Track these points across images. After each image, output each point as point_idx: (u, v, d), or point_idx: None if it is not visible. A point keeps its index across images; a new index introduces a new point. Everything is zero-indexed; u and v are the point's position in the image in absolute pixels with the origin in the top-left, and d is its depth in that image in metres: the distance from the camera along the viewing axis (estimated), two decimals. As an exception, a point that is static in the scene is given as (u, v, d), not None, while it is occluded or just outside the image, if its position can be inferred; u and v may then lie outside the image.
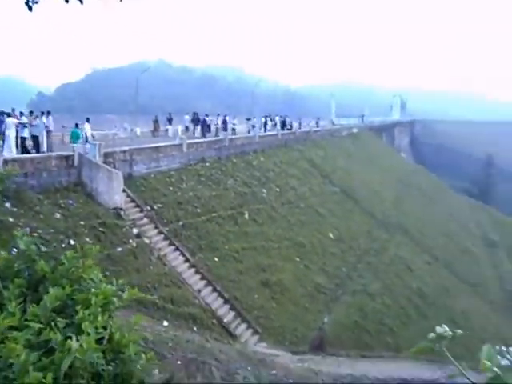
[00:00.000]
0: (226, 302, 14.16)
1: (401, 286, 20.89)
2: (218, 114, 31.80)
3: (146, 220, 15.97)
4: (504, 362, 1.02)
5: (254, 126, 31.28)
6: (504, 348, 1.06)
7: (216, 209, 19.33)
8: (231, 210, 20.03)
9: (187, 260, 15.27)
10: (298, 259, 19.18)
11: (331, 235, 23.14)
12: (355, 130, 50.84)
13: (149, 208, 16.65)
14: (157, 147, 19.86)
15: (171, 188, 18.78)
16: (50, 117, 18.94)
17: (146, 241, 14.68)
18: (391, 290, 19.99)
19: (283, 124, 36.32)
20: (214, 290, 14.43)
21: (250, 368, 9.20)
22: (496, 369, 1.00)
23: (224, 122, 29.35)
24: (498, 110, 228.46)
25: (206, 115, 30.35)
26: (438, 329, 1.13)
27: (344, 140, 43.73)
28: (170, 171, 19.86)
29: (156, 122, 30.51)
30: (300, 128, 38.13)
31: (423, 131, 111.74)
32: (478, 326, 21.85)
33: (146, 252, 14.08)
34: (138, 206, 16.41)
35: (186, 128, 30.68)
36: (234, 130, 29.62)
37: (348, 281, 19.61)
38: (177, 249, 15.51)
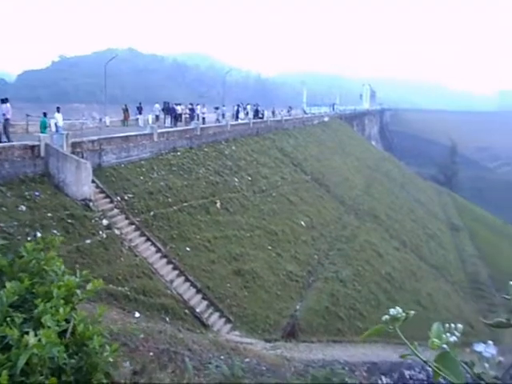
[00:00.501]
0: (199, 291, 14.14)
1: (371, 272, 21.40)
2: (191, 104, 31.38)
3: (116, 211, 15.67)
4: (452, 339, 1.04)
5: (223, 115, 31.05)
6: (452, 325, 1.09)
7: (187, 198, 19.19)
8: (203, 200, 19.93)
9: (159, 250, 15.13)
10: (270, 247, 19.32)
11: (303, 223, 23.40)
12: (326, 119, 51.29)
13: (119, 199, 16.34)
14: (127, 137, 19.44)
15: (142, 178, 18.49)
16: (8, 104, 18.08)
17: (117, 232, 14.43)
18: (362, 276, 20.45)
19: (256, 112, 36.34)
20: (186, 279, 14.38)
21: (222, 357, 9.26)
22: (445, 345, 1.03)
23: (192, 111, 28.93)
24: (460, 100, 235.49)
25: (177, 104, 29.88)
26: (391, 311, 1.13)
27: (315, 128, 44.05)
28: (140, 161, 19.52)
29: (126, 111, 29.79)
30: (273, 117, 38.18)
31: (392, 120, 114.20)
32: (442, 307, 22.76)
33: (117, 243, 13.85)
34: (107, 196, 16.07)
35: (157, 117, 30.16)
36: (203, 119, 29.24)
37: (320, 268, 19.93)
38: (148, 239, 15.33)
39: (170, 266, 14.64)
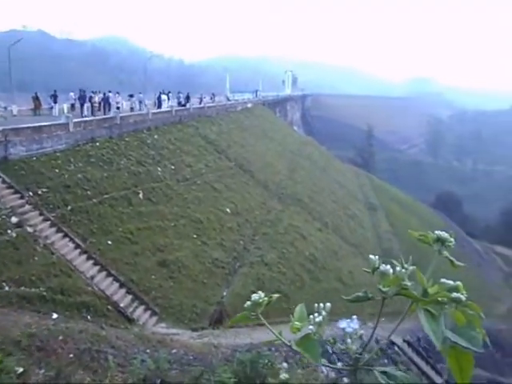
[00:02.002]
0: (122, 285, 13.82)
1: (295, 254, 22.27)
2: (109, 91, 29.78)
3: (28, 207, 14.68)
4: (318, 319, 1.06)
5: (140, 102, 29.96)
6: (321, 305, 1.10)
7: (108, 190, 18.51)
8: (125, 191, 19.35)
9: (78, 246, 14.49)
10: (195, 236, 19.33)
11: (228, 210, 23.64)
12: (250, 105, 51.68)
13: (31, 194, 15.31)
14: (39, 127, 18.17)
15: (57, 171, 17.47)
16: None
17: (29, 230, 13.55)
18: (286, 259, 21.23)
19: (187, 99, 35.95)
20: (109, 274, 13.97)
21: (148, 351, 9.20)
22: (311, 327, 1.05)
23: (105, 100, 27.37)
24: (376, 85, 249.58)
25: (93, 92, 28.31)
26: (254, 296, 1.12)
27: (239, 115, 44.24)
28: (55, 153, 18.42)
29: (36, 99, 27.37)
30: (200, 103, 37.71)
31: (313, 105, 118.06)
32: (362, 283, 24.37)
33: (30, 242, 13.02)
34: (17, 192, 14.98)
35: (72, 106, 28.32)
36: (118, 108, 27.69)
37: (245, 253, 20.35)
38: (66, 235, 14.60)
39: (91, 262, 14.11)
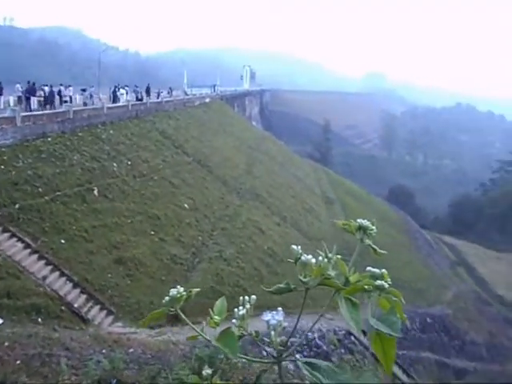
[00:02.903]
0: (76, 285, 13.40)
1: (254, 248, 22.44)
2: (61, 85, 28.51)
3: (-31, 206, 13.90)
4: (241, 313, 1.04)
5: (91, 96, 28.94)
6: (246, 297, 1.08)
7: (61, 187, 17.83)
8: (78, 187, 18.72)
9: (28, 246, 13.89)
10: (152, 233, 19.04)
11: (186, 205, 23.43)
12: (207, 100, 51.23)
13: (-29, 192, 14.50)
14: (-20, 121, 17.19)
15: (3, 167, 16.62)
16: None
17: (-29, 230, 12.84)
18: (245, 253, 21.34)
19: (148, 92, 35.39)
20: (62, 274, 13.49)
21: (104, 351, 9.01)
22: (235, 320, 1.04)
23: (52, 93, 25.99)
24: (333, 80, 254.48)
25: (44, 85, 27.01)
26: (172, 291, 1.07)
27: (197, 110, 43.77)
28: (0, 148, 17.48)
29: (-22, 90, 25.86)
30: (158, 98, 36.96)
31: (272, 100, 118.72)
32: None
33: (-29, 243, 12.35)
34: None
35: (19, 99, 26.86)
36: (65, 102, 26.38)
37: (204, 249, 20.28)
38: (13, 235, 13.94)
39: (43, 262, 13.57)
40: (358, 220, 1.19)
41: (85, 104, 27.90)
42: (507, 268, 49.73)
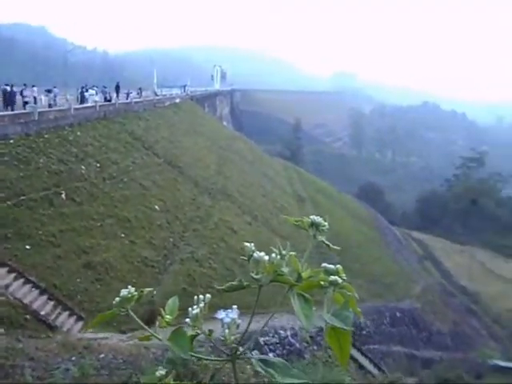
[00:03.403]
0: (43, 292, 13.07)
1: (226, 249, 22.48)
2: (24, 85, 27.50)
3: None
4: (195, 312, 1.03)
5: (55, 97, 28.13)
6: (201, 296, 1.07)
7: (25, 191, 17.32)
8: (45, 191, 18.23)
9: (-12, 254, 13.44)
10: (123, 235, 18.80)
11: (157, 207, 23.23)
12: (178, 100, 50.79)
13: None
14: None
15: (-40, 171, 16.04)
16: None
17: None
18: (217, 254, 21.36)
19: (117, 90, 34.99)
20: (27, 281, 13.13)
21: (74, 358, 8.87)
22: (188, 320, 1.03)
23: (15, 94, 24.56)
24: (302, 79, 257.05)
25: (6, 85, 26.02)
26: (123, 291, 1.06)
27: (167, 110, 43.36)
28: (-43, 152, 16.87)
29: None
30: (127, 99, 36.36)
31: (242, 100, 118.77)
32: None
33: None
34: None
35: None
36: (26, 103, 25.13)
37: (176, 250, 20.18)
38: (-27, 243, 13.47)
39: (5, 269, 13.15)
40: (311, 216, 1.20)
41: (50, 105, 27.13)
42: (469, 260, 51.72)
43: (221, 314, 1.03)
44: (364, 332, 24.58)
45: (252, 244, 1.10)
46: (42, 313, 12.12)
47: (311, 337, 19.43)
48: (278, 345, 17.58)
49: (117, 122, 30.67)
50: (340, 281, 1.08)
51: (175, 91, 56.97)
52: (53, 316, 12.34)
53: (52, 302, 12.90)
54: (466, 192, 72.35)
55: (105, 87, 35.92)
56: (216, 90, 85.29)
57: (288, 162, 66.57)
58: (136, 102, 37.25)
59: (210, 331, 1.06)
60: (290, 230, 33.14)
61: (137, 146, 29.47)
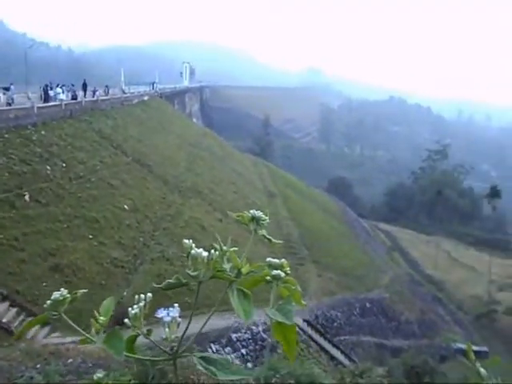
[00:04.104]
0: (5, 298, 12.70)
1: (196, 247, 22.43)
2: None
3: None
4: (134, 312, 1.01)
5: (12, 94, 27.17)
6: (142, 296, 1.04)
7: (-17, 194, 16.80)
8: (6, 193, 17.69)
9: None
10: (91, 236, 18.49)
11: (126, 206, 22.94)
12: (146, 98, 50.03)
13: None
14: None
15: None
16: None
17: None
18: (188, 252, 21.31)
19: (84, 87, 34.48)
20: (-13, 288, 12.75)
21: (39, 366, 8.71)
22: (127, 320, 0.99)
23: None
24: (272, 75, 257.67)
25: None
26: (55, 294, 1.03)
27: (135, 108, 42.68)
28: None
29: None
30: (94, 97, 35.52)
31: (212, 96, 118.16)
32: (262, 268, 25.53)
33: None
34: None
35: None
36: None
37: (146, 250, 20.02)
38: None
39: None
40: (251, 211, 1.20)
41: (9, 104, 26.22)
42: (435, 250, 53.61)
43: (161, 313, 1.02)
44: (335, 324, 25.17)
45: (190, 241, 1.09)
46: (4, 320, 11.78)
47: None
48: (251, 340, 17.77)
49: (83, 120, 29.99)
50: (282, 275, 1.08)
51: (143, 89, 56.12)
52: (15, 323, 12.00)
53: (15, 309, 12.55)
54: (431, 184, 74.79)
55: (73, 85, 35.05)
56: (185, 86, 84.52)
57: (258, 158, 66.86)
58: (103, 100, 36.49)
59: (149, 331, 1.03)
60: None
61: (104, 145, 28.94)
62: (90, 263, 16.68)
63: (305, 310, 23.20)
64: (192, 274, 1.06)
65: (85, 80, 36.21)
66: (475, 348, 31.08)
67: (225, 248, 1.11)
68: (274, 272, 1.09)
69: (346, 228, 49.73)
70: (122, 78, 54.53)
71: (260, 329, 18.55)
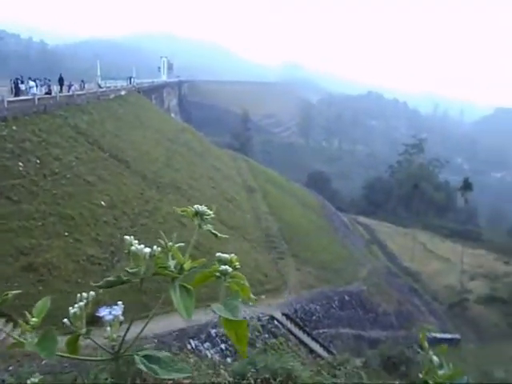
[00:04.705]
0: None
1: (175, 242, 22.35)
2: None
3: None
4: (73, 311, 0.98)
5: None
6: (84, 294, 1.02)
7: None
8: (-26, 191, 17.26)
9: None
10: (66, 234, 18.18)
11: (103, 203, 22.63)
12: (123, 93, 49.26)
13: None
14: None
15: None
16: None
17: None
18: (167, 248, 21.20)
19: (61, 82, 33.68)
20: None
21: (11, 368, 8.58)
22: (66, 320, 0.97)
23: None
24: (251, 70, 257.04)
25: None
26: None
27: (112, 103, 41.97)
28: None
29: None
30: (69, 91, 34.71)
31: (190, 91, 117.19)
32: (242, 263, 25.28)
33: None
34: None
35: None
36: None
37: (123, 246, 19.63)
38: None
39: None
40: (195, 206, 1.22)
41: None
42: (412, 242, 54.77)
43: (103, 311, 1.01)
44: (314, 317, 25.48)
45: (132, 237, 1.08)
46: (-25, 322, 11.50)
47: (262, 325, 19.91)
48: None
49: (58, 115, 29.33)
50: (229, 270, 1.09)
51: (120, 83, 55.25)
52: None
53: (-14, 310, 12.27)
54: (407, 177, 76.22)
55: (49, 80, 34.24)
56: (163, 81, 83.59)
57: (237, 153, 66.75)
58: (79, 95, 35.76)
59: (89, 330, 1.01)
60: (240, 220, 33.47)
61: (80, 141, 28.41)
62: (65, 261, 16.42)
63: (284, 304, 23.43)
64: (130, 270, 1.04)
65: (61, 74, 35.42)
66: (448, 336, 32.14)
67: (170, 244, 1.12)
68: (222, 267, 1.11)
69: (325, 222, 50.25)
70: (99, 72, 53.55)
71: (239, 323, 18.64)
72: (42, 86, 32.78)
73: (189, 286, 1.05)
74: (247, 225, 33.64)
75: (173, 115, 78.01)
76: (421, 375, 1.50)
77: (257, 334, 19.25)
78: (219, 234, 1.28)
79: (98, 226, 20.50)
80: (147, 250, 1.05)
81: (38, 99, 28.38)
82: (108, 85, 49.49)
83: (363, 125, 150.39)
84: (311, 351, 21.11)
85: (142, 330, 1.12)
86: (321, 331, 24.93)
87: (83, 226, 19.77)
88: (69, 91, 35.07)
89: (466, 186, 56.95)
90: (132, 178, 28.57)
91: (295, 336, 21.36)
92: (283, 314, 21.70)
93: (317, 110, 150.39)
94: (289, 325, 21.55)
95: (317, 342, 22.59)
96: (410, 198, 70.42)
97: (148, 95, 62.93)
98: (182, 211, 1.24)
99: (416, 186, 66.90)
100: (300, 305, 24.79)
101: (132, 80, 59.57)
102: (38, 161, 22.32)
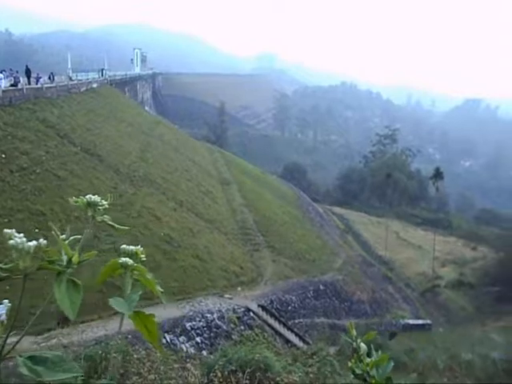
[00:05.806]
0: None
1: (149, 236, 22.21)
2: None
3: None
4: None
5: None
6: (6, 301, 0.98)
7: None
8: None
9: None
10: (36, 230, 17.80)
11: (74, 198, 22.22)
12: (95, 85, 48.11)
13: None
14: None
15: None
16: None
17: None
18: (140, 242, 20.87)
19: (28, 74, 32.90)
20: None
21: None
22: None
23: None
24: (226, 61, 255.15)
25: None
26: None
27: (83, 96, 40.96)
28: None
29: None
30: (37, 84, 33.61)
31: (165, 84, 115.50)
32: (217, 256, 25.64)
33: None
34: None
35: None
36: None
37: (96, 241, 19.55)
38: None
39: None
40: (87, 196, 1.18)
41: None
42: (385, 231, 55.98)
43: None
44: (290, 307, 25.82)
45: (13, 231, 1.00)
46: None
47: (238, 317, 20.08)
48: (205, 328, 17.93)
49: (25, 108, 28.48)
50: (130, 263, 1.05)
51: (92, 76, 53.96)
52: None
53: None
54: (381, 167, 77.66)
55: (17, 71, 33.08)
56: (136, 73, 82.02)
57: (213, 146, 66.44)
58: (48, 88, 34.73)
59: None
60: (215, 213, 33.45)
61: (50, 135, 27.71)
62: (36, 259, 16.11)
63: (260, 296, 23.66)
64: (4, 266, 0.95)
65: (27, 66, 34.32)
66: (420, 322, 33.14)
67: (63, 236, 1.05)
68: (121, 260, 1.08)
69: (301, 213, 50.72)
70: (69, 65, 52.16)
71: (215, 316, 18.77)
72: (7, 77, 31.69)
73: (77, 281, 0.98)
74: (222, 217, 33.64)
75: (147, 108, 76.82)
76: (350, 364, 1.60)
77: (232, 326, 19.42)
78: (117, 226, 1.21)
79: (70, 221, 20.11)
80: (32, 243, 0.96)
81: (3, 91, 27.46)
82: (79, 77, 48.29)
83: (338, 116, 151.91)
84: (287, 341, 21.43)
85: (25, 330, 1.07)
86: (296, 321, 25.30)
87: (54, 221, 19.29)
88: (37, 83, 34.02)
89: (437, 174, 58.48)
90: (105, 172, 28.12)
91: (271, 327, 21.62)
92: (259, 306, 21.91)
93: (292, 102, 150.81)
94: (265, 316, 21.78)
95: (292, 332, 22.92)
96: (383, 188, 71.81)
97: (121, 88, 61.75)
98: (75, 201, 1.20)
99: (389, 176, 68.23)
100: (276, 296, 25.07)
101: (104, 72, 58.24)
102: (4, 155, 21.71)
